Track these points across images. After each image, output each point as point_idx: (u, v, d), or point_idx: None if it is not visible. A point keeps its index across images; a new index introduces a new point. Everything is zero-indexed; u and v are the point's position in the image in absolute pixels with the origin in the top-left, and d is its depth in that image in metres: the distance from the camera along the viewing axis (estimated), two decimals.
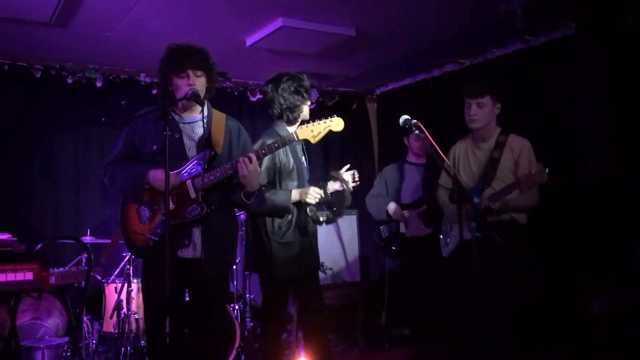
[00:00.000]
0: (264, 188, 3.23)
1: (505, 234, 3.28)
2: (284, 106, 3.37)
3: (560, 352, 4.21)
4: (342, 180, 3.48)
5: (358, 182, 3.57)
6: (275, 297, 3.42)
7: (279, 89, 3.37)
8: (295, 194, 3.32)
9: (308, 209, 3.42)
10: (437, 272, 4.59)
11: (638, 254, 3.87)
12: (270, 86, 3.42)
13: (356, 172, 3.56)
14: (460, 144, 3.78)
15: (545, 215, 4.49)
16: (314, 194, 3.31)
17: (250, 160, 2.78)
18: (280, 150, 3.28)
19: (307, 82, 3.43)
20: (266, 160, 3.27)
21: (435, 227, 4.50)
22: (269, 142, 3.00)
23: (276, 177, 3.34)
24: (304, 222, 3.41)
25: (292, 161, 3.38)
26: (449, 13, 4.39)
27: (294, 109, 3.38)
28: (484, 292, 3.21)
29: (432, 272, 4.56)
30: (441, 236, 3.88)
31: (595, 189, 4.18)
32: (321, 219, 3.50)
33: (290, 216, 3.34)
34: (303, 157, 3.52)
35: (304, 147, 3.56)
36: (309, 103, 3.47)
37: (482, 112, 3.54)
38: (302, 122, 3.20)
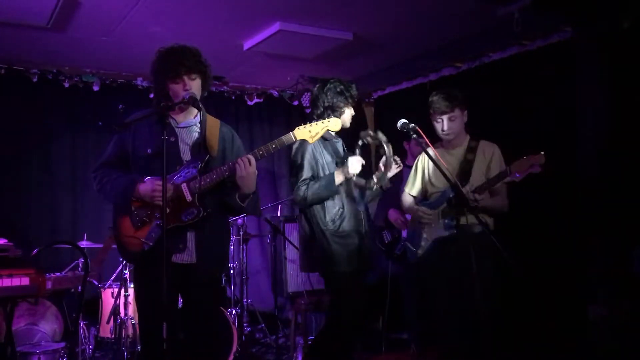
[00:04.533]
0: (309, 181, 3.30)
1: (476, 236, 3.31)
2: (327, 104, 3.43)
3: (559, 356, 4.20)
4: (376, 139, 3.38)
5: (399, 166, 3.54)
6: (351, 291, 3.40)
7: (325, 88, 3.45)
8: (338, 176, 3.32)
9: (355, 180, 3.39)
10: (441, 274, 4.59)
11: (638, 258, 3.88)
12: (317, 87, 3.50)
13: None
14: (429, 150, 3.75)
15: (544, 217, 4.52)
16: (354, 163, 3.30)
17: (250, 162, 2.78)
18: (316, 149, 3.36)
19: (354, 90, 3.49)
20: (307, 155, 3.34)
21: None
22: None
23: (320, 172, 3.38)
24: (356, 210, 3.43)
25: (329, 159, 3.42)
26: (446, 17, 4.40)
27: (336, 109, 3.43)
28: (465, 290, 3.20)
29: (436, 274, 4.56)
30: (407, 243, 3.75)
31: (595, 192, 4.18)
32: (372, 183, 3.40)
33: (339, 208, 3.36)
34: (344, 155, 3.53)
35: (344, 145, 3.59)
36: (351, 109, 3.50)
37: (454, 124, 3.56)
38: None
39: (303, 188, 3.32)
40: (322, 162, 3.40)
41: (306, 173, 3.35)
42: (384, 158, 3.40)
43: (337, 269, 3.35)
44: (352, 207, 3.43)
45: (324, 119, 3.33)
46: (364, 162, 3.35)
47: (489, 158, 3.55)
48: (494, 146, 3.61)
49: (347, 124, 3.48)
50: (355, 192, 3.45)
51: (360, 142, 3.40)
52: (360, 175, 3.38)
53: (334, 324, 3.49)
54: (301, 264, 3.56)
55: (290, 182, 3.47)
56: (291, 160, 3.43)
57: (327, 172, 3.38)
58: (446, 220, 3.40)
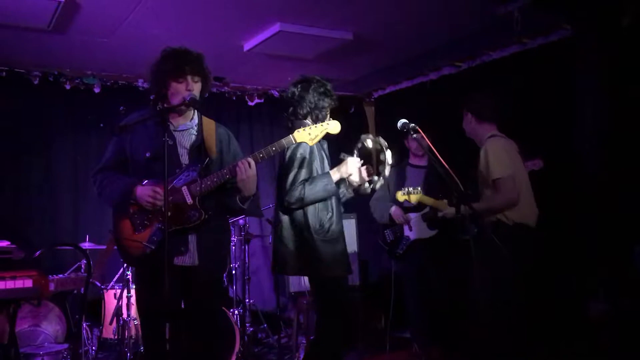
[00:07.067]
0: (305, 182, 3.19)
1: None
2: (313, 105, 3.36)
3: (560, 355, 4.21)
4: (377, 143, 3.35)
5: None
6: (341, 293, 3.32)
7: (310, 89, 3.37)
8: (335, 175, 3.26)
9: (350, 180, 3.33)
10: (443, 274, 4.60)
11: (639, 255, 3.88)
12: (299, 86, 3.40)
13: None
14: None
15: (543, 217, 4.52)
16: (352, 164, 3.25)
17: (250, 165, 2.79)
18: (312, 150, 3.28)
19: (332, 89, 3.47)
20: (306, 156, 3.24)
21: (439, 229, 4.51)
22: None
23: (314, 174, 3.29)
24: (341, 211, 3.38)
25: (323, 159, 3.37)
26: (446, 17, 4.40)
27: (322, 109, 3.38)
28: (483, 293, 3.25)
29: (438, 274, 4.58)
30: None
31: (594, 190, 4.18)
32: (367, 187, 3.35)
33: (329, 211, 3.28)
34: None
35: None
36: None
37: (464, 124, 3.78)
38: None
39: (300, 188, 3.20)
40: (317, 163, 3.32)
41: (304, 174, 3.24)
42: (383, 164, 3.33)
43: (327, 273, 3.25)
44: (339, 209, 3.36)
45: (311, 118, 3.34)
46: (361, 164, 3.29)
47: (480, 159, 3.62)
48: (488, 143, 3.62)
49: None
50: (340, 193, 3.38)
51: (359, 145, 3.37)
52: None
53: (328, 331, 3.34)
54: (282, 265, 3.32)
55: (282, 183, 3.28)
56: (287, 159, 3.28)
57: (319, 169, 3.30)
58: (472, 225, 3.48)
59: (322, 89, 3.39)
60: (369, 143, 3.36)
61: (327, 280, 3.28)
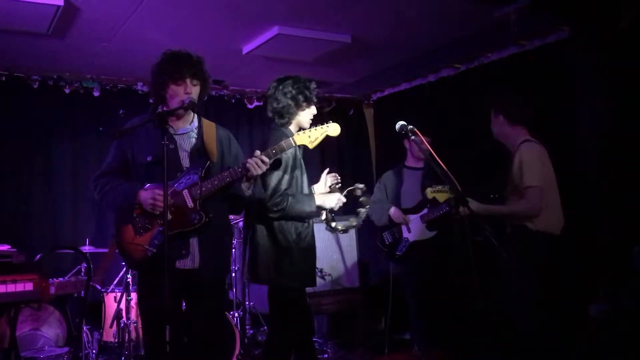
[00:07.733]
0: (288, 193, 3.17)
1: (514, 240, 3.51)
2: (276, 109, 3.27)
3: (561, 355, 4.21)
4: (361, 190, 3.51)
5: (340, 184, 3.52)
6: (301, 308, 3.29)
7: (277, 90, 3.29)
8: (318, 200, 3.26)
9: (327, 216, 3.41)
10: (443, 275, 4.61)
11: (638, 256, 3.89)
12: (273, 85, 3.34)
13: (337, 176, 3.51)
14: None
15: None
16: (336, 200, 3.30)
17: (264, 162, 2.79)
18: (297, 157, 3.26)
19: (310, 90, 3.28)
20: (289, 163, 3.20)
21: (438, 230, 4.51)
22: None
23: (294, 181, 3.23)
24: (312, 227, 3.38)
25: (304, 167, 3.34)
26: (443, 19, 4.42)
27: (284, 113, 3.25)
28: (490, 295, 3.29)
29: (437, 275, 4.59)
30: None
31: (594, 191, 4.19)
32: (340, 227, 3.51)
33: (306, 224, 3.27)
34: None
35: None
36: (307, 111, 3.31)
37: (492, 125, 3.72)
38: (300, 129, 3.18)
39: (284, 200, 3.12)
40: (298, 171, 3.26)
41: (286, 182, 3.17)
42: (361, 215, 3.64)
43: (298, 284, 3.25)
44: (312, 224, 3.34)
45: (276, 121, 3.31)
46: (343, 202, 3.36)
47: (513, 163, 3.60)
48: (522, 148, 3.59)
49: (306, 125, 3.28)
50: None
51: (351, 188, 3.50)
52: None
53: (277, 341, 3.32)
54: (252, 273, 3.28)
55: (265, 184, 3.17)
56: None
57: (298, 184, 3.25)
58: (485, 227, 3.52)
59: (292, 92, 3.23)
60: (358, 192, 3.54)
61: (294, 289, 3.25)
